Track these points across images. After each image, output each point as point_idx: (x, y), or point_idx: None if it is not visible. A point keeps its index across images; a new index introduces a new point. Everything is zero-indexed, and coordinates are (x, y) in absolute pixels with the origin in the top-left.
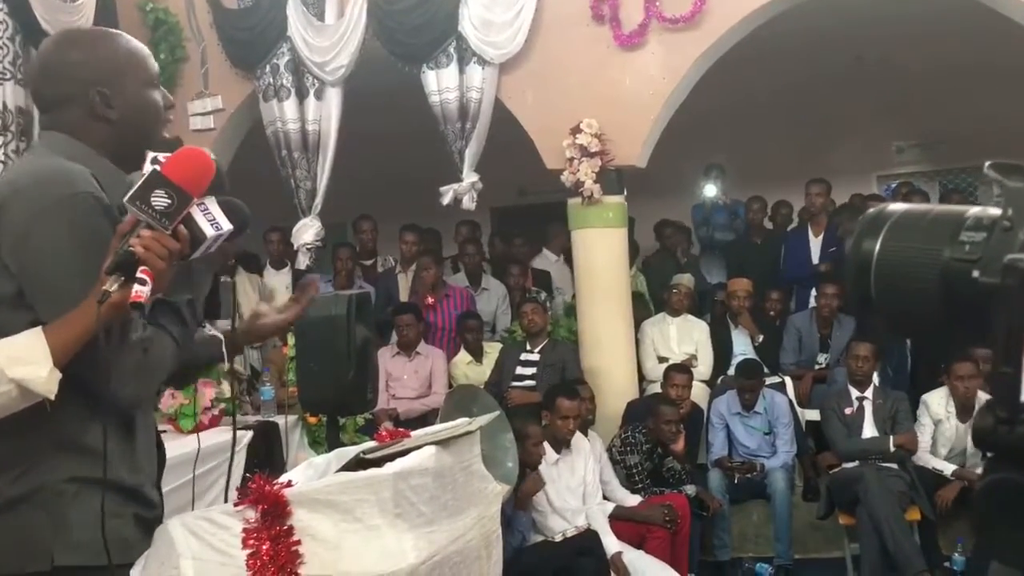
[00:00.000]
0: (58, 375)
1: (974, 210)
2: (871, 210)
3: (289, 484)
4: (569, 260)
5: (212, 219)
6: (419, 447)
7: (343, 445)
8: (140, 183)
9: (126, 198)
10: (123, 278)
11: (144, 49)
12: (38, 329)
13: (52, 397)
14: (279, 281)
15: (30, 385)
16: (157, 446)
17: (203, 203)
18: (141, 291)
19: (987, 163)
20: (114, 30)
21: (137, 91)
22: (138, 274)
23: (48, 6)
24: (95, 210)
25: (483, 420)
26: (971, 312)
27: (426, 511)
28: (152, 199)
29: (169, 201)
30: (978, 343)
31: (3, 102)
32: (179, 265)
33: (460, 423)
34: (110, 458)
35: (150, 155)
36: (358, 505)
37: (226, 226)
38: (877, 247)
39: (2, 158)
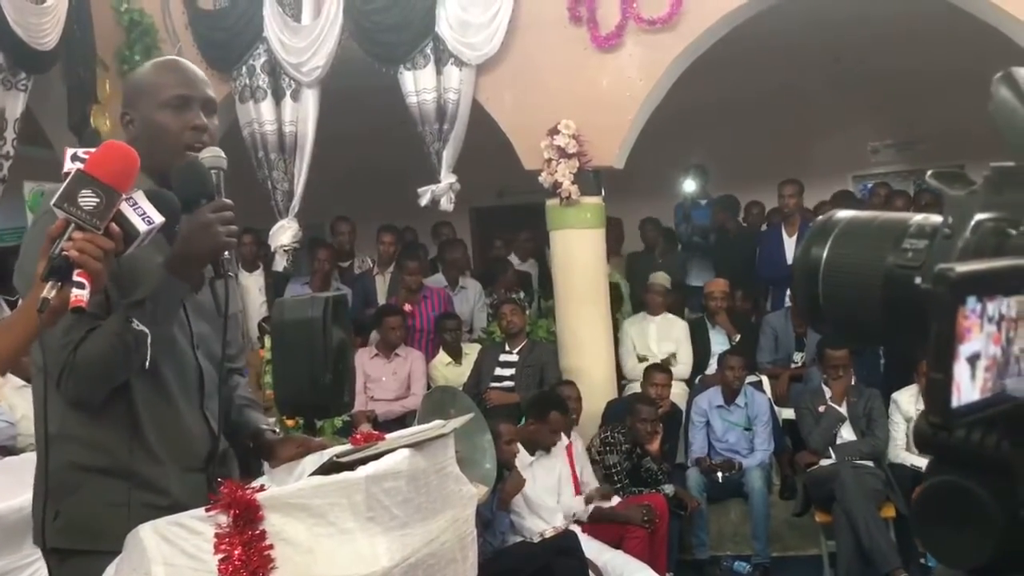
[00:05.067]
0: (1, 380)
1: (917, 217)
2: (820, 217)
3: (261, 488)
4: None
5: (143, 213)
6: (393, 450)
7: None
8: (65, 184)
9: (52, 201)
10: (60, 283)
11: (177, 72)
12: None
13: None
14: (252, 283)
15: None
16: (212, 434)
17: (131, 197)
18: (80, 295)
19: (928, 172)
20: (171, 58)
21: (148, 113)
22: (75, 277)
23: (18, 8)
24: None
25: (457, 422)
26: (913, 319)
27: (399, 514)
28: (80, 200)
29: (98, 200)
30: (920, 350)
31: None
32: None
33: (434, 425)
34: (109, 447)
35: (69, 151)
36: (331, 509)
37: (157, 219)
38: (824, 254)
39: None
